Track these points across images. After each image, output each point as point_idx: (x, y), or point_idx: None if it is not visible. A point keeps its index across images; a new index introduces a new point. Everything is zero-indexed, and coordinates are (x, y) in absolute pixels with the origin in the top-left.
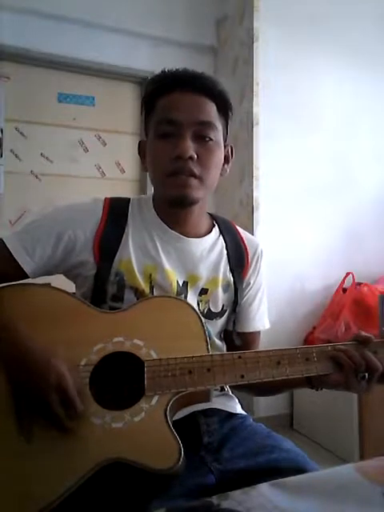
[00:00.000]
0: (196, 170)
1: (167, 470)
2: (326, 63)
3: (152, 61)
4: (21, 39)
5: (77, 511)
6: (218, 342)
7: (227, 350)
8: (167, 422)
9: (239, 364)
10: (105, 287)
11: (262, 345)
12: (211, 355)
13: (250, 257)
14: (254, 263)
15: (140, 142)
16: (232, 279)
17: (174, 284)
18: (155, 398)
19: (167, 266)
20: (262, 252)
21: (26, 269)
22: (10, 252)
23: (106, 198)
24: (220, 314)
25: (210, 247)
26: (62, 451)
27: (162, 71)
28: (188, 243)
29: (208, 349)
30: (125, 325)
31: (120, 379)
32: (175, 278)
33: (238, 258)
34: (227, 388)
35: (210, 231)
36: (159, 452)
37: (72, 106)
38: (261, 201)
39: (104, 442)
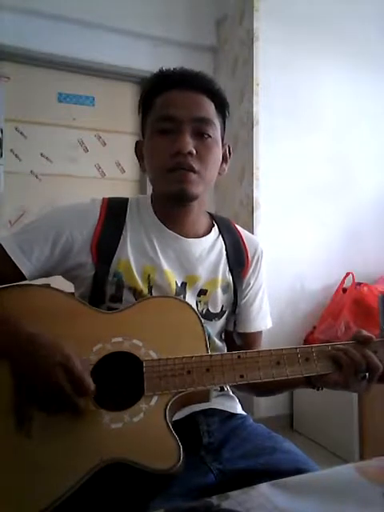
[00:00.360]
0: (195, 166)
1: (167, 471)
2: (326, 63)
3: (152, 61)
4: (21, 39)
5: (77, 511)
6: (218, 342)
7: (228, 351)
8: (167, 422)
9: (239, 364)
10: (103, 288)
11: (262, 345)
12: (210, 355)
13: (249, 256)
14: (254, 263)
15: (137, 142)
16: (231, 280)
17: (173, 285)
18: (154, 399)
19: (166, 266)
20: (262, 252)
21: (24, 270)
22: (7, 253)
23: (104, 199)
24: (219, 315)
25: (209, 248)
26: (61, 452)
27: (159, 70)
28: (187, 244)
29: (207, 349)
30: (124, 325)
31: (119, 379)
32: (174, 278)
33: (238, 258)
34: (227, 388)
35: (209, 231)
36: (159, 452)
37: (72, 105)
38: (261, 201)
39: (104, 442)
